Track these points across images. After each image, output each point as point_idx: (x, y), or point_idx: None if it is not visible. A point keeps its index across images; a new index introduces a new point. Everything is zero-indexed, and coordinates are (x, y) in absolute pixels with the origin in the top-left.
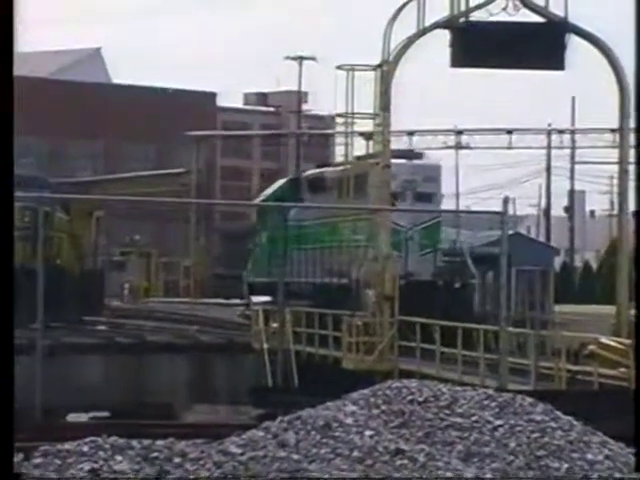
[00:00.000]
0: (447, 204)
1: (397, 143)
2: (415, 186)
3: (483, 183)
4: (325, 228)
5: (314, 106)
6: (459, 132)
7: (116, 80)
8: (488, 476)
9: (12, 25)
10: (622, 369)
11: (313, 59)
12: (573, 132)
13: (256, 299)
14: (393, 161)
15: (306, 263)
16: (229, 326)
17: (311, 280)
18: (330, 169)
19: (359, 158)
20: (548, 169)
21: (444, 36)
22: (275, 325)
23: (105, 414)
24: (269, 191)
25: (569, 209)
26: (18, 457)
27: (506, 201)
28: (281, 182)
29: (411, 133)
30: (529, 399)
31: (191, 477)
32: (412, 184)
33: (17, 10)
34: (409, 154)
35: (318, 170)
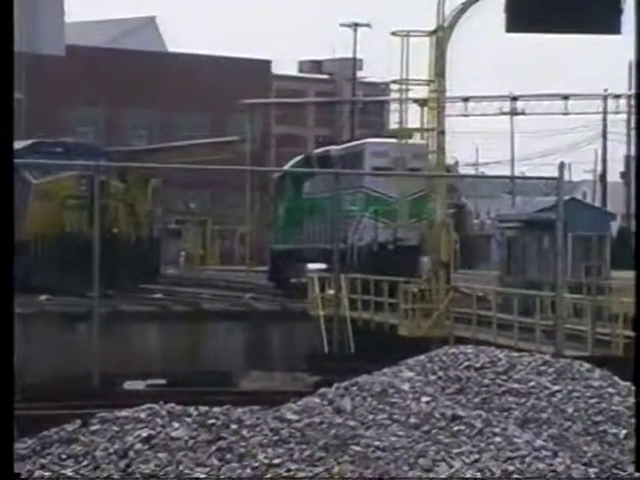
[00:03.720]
0: (503, 170)
1: (452, 109)
2: (404, 162)
3: (539, 149)
4: (331, 200)
5: (369, 73)
6: (514, 98)
7: (171, 49)
8: (540, 442)
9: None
10: None
11: (368, 26)
12: (629, 97)
13: (311, 266)
14: (384, 140)
15: (315, 231)
16: (284, 293)
17: (318, 246)
18: (334, 147)
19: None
20: (604, 134)
21: (499, 1)
22: (331, 292)
23: (162, 382)
24: (286, 167)
25: (625, 174)
26: (76, 424)
27: (562, 167)
28: (297, 159)
29: (466, 99)
30: (586, 365)
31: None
32: (402, 161)
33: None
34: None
35: (325, 149)
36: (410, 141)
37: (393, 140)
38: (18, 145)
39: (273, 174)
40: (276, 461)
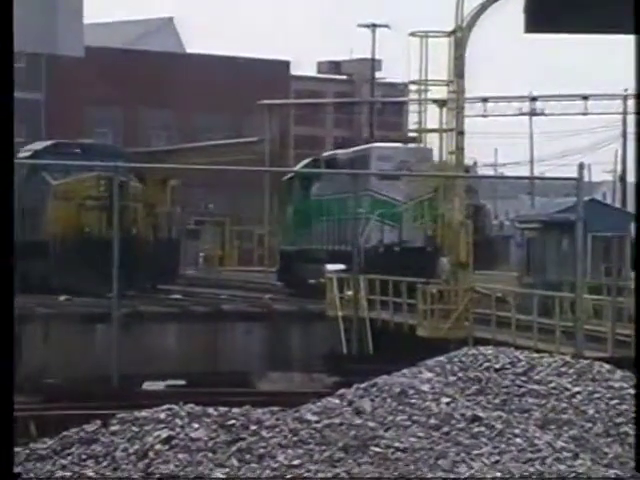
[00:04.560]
0: (522, 171)
1: (471, 110)
2: (410, 166)
3: (558, 150)
4: (338, 202)
5: (387, 74)
6: (533, 98)
7: (189, 50)
8: (561, 443)
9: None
10: None
11: (386, 26)
12: None
13: (330, 267)
14: (390, 145)
15: (322, 232)
16: (295, 293)
17: (326, 247)
18: (342, 151)
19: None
20: (624, 135)
21: (518, 1)
22: (349, 293)
23: (181, 382)
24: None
25: None
26: (96, 424)
27: (581, 167)
28: (305, 162)
29: (485, 100)
30: (607, 366)
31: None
32: (407, 164)
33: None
34: (405, 139)
35: (332, 152)
36: (415, 146)
37: (398, 144)
38: (38, 146)
39: (283, 176)
40: (296, 462)
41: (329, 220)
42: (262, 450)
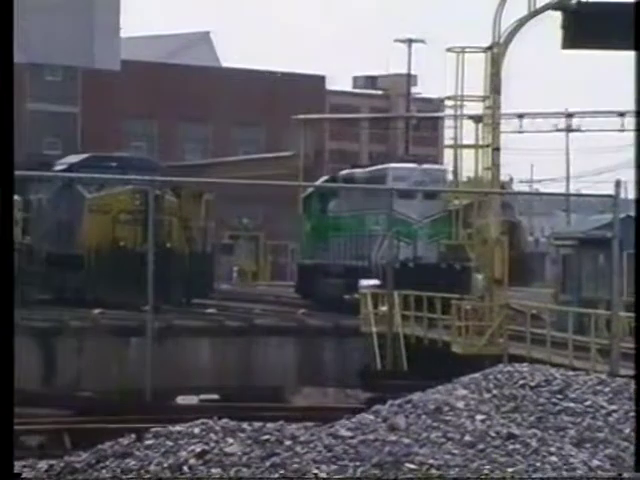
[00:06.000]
0: (558, 187)
1: (507, 126)
2: (424, 186)
3: (595, 166)
4: (355, 219)
5: (423, 89)
6: (570, 115)
7: (225, 64)
8: (597, 462)
9: (11, 11)
10: None
11: (422, 42)
12: None
13: (365, 282)
14: (406, 165)
15: (339, 248)
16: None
17: (342, 262)
18: (359, 170)
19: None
20: None
21: (556, 17)
22: (383, 308)
23: (214, 397)
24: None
25: None
26: (130, 438)
27: (618, 184)
28: (323, 179)
29: (521, 116)
30: None
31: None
32: (421, 184)
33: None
34: (419, 159)
35: (350, 170)
36: (429, 166)
37: (414, 165)
38: (73, 159)
39: (303, 192)
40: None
41: (346, 236)
42: (296, 465)
